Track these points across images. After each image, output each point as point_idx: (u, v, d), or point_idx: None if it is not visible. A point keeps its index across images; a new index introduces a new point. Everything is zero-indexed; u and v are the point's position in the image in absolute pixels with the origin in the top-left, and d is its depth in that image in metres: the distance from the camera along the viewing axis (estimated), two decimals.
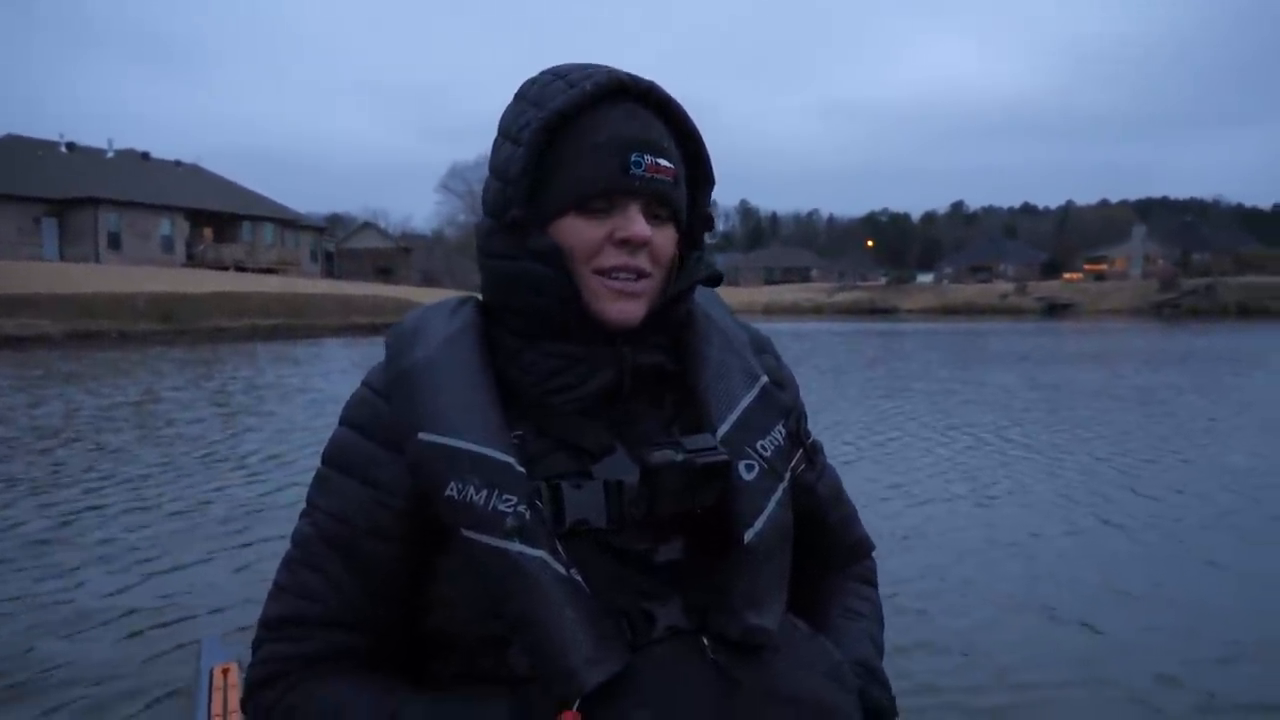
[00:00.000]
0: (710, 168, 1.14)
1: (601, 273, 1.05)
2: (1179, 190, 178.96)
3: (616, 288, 1.05)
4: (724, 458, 1.03)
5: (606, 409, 1.08)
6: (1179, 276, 67.53)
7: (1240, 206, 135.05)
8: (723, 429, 1.07)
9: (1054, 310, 63.68)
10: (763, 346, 1.23)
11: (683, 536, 1.05)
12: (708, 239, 1.17)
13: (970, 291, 76.59)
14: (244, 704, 1.11)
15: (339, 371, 18.54)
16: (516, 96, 1.10)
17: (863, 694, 1.11)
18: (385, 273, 64.03)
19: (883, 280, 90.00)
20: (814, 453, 1.23)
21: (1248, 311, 54.56)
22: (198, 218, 51.17)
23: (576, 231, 1.04)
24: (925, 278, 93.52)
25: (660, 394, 1.12)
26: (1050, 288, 73.29)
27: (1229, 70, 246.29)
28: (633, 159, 1.03)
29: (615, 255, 1.04)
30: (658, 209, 1.06)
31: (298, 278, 49.10)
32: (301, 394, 14.18)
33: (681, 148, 1.10)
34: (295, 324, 32.65)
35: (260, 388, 15.27)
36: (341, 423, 1.12)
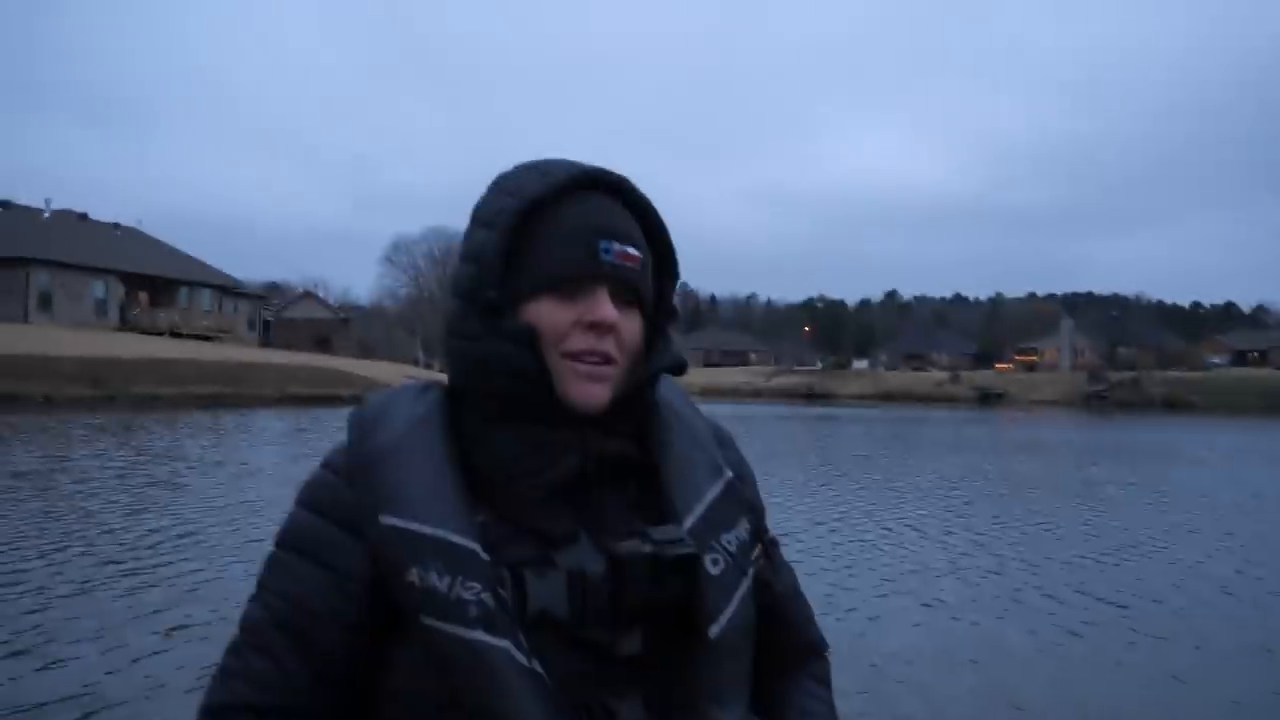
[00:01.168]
0: (676, 262, 1.16)
1: (570, 356, 1.05)
2: (1102, 286, 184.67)
3: (584, 371, 1.04)
4: (693, 550, 1.02)
5: (570, 496, 1.05)
6: (1106, 369, 69.59)
7: (1160, 304, 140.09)
8: (689, 521, 1.06)
9: (988, 399, 65.06)
10: (725, 441, 1.23)
11: (644, 629, 1.03)
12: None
13: (906, 379, 78.04)
14: None
15: (265, 444, 18.13)
16: (491, 187, 1.12)
17: None
18: (324, 343, 63.29)
19: (819, 366, 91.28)
20: (772, 549, 1.24)
21: (1172, 405, 56.33)
22: (134, 281, 50.27)
23: (546, 314, 1.05)
24: (861, 364, 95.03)
25: (624, 483, 1.10)
26: (984, 377, 74.94)
27: (1145, 172, 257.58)
28: (602, 245, 1.05)
29: (583, 339, 1.04)
30: (626, 295, 1.07)
31: (234, 345, 48.30)
32: (220, 467, 13.80)
33: (649, 241, 1.12)
34: (231, 393, 31.99)
35: (177, 459, 14.82)
36: (299, 504, 1.08)
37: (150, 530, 8.39)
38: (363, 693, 1.04)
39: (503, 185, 1.11)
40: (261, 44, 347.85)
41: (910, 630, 6.01)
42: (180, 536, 8.10)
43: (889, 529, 9.91)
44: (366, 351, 61.65)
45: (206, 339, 48.29)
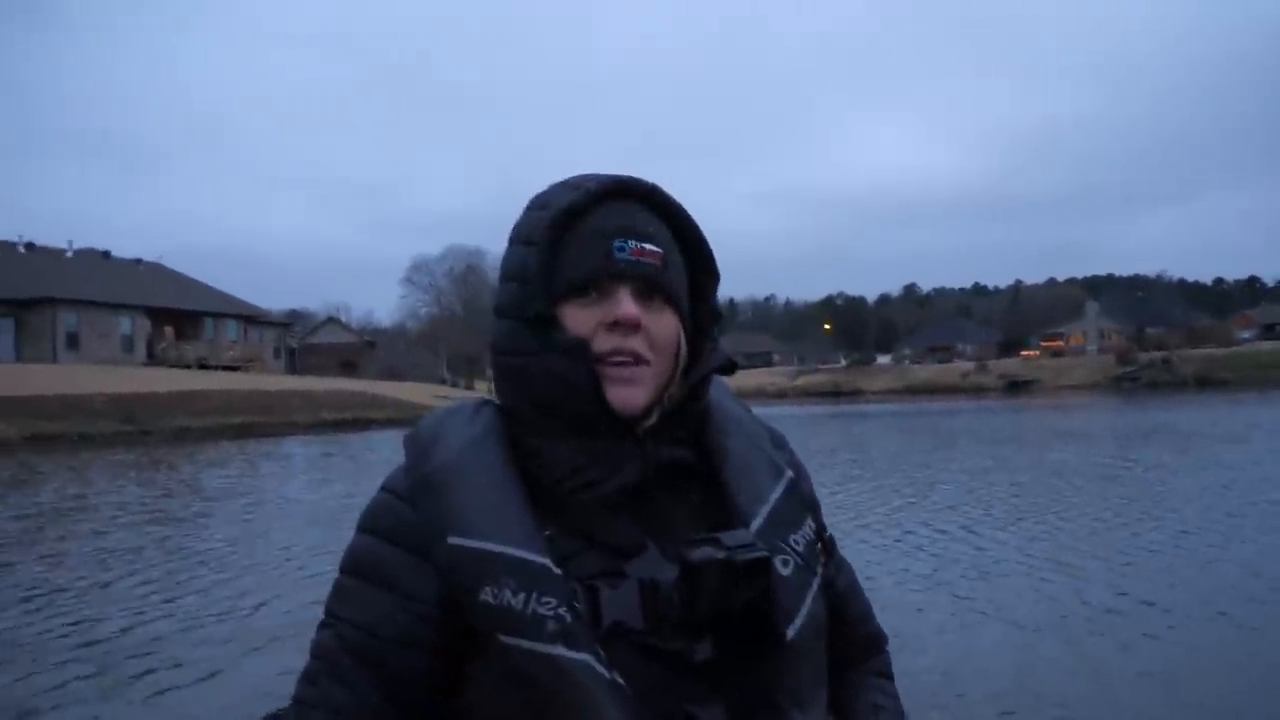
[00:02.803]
0: (714, 263, 1.16)
1: (599, 359, 1.05)
2: (1123, 267, 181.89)
3: (613, 374, 1.05)
4: (765, 554, 1.02)
5: (632, 505, 1.06)
6: (1134, 351, 68.91)
7: (1183, 281, 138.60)
8: (755, 523, 1.07)
9: (1016, 387, 64.56)
10: (779, 441, 1.23)
11: (714, 635, 1.02)
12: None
13: (931, 371, 77.63)
14: None
15: (299, 474, 18.20)
16: (526, 208, 1.13)
17: None
18: (349, 367, 63.68)
19: (843, 363, 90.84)
20: (831, 546, 1.23)
21: (1205, 383, 55.67)
22: (159, 316, 50.72)
23: (572, 319, 1.06)
24: (884, 359, 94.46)
25: (685, 489, 1.10)
26: (1010, 365, 74.40)
27: (1157, 151, 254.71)
28: (616, 244, 1.05)
29: (608, 339, 1.05)
30: (650, 293, 1.07)
31: (262, 374, 48.65)
32: (244, 497, 13.90)
33: (685, 246, 1.13)
34: (261, 421, 32.19)
35: (199, 491, 14.93)
36: (362, 530, 1.08)
37: (168, 570, 8.41)
38: (441, 712, 1.03)
39: (536, 203, 1.12)
40: (269, 77, 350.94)
41: (966, 638, 5.84)
42: (195, 574, 8.12)
43: (940, 529, 9.75)
44: (392, 374, 61.92)
45: (234, 369, 48.64)
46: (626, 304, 1.04)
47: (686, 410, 1.12)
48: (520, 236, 1.11)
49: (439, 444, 1.08)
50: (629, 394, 1.05)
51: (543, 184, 1.16)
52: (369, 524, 1.08)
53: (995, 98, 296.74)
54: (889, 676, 1.31)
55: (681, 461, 1.10)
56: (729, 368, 1.15)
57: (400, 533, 1.04)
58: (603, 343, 1.05)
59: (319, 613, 1.07)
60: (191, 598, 7.24)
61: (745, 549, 1.01)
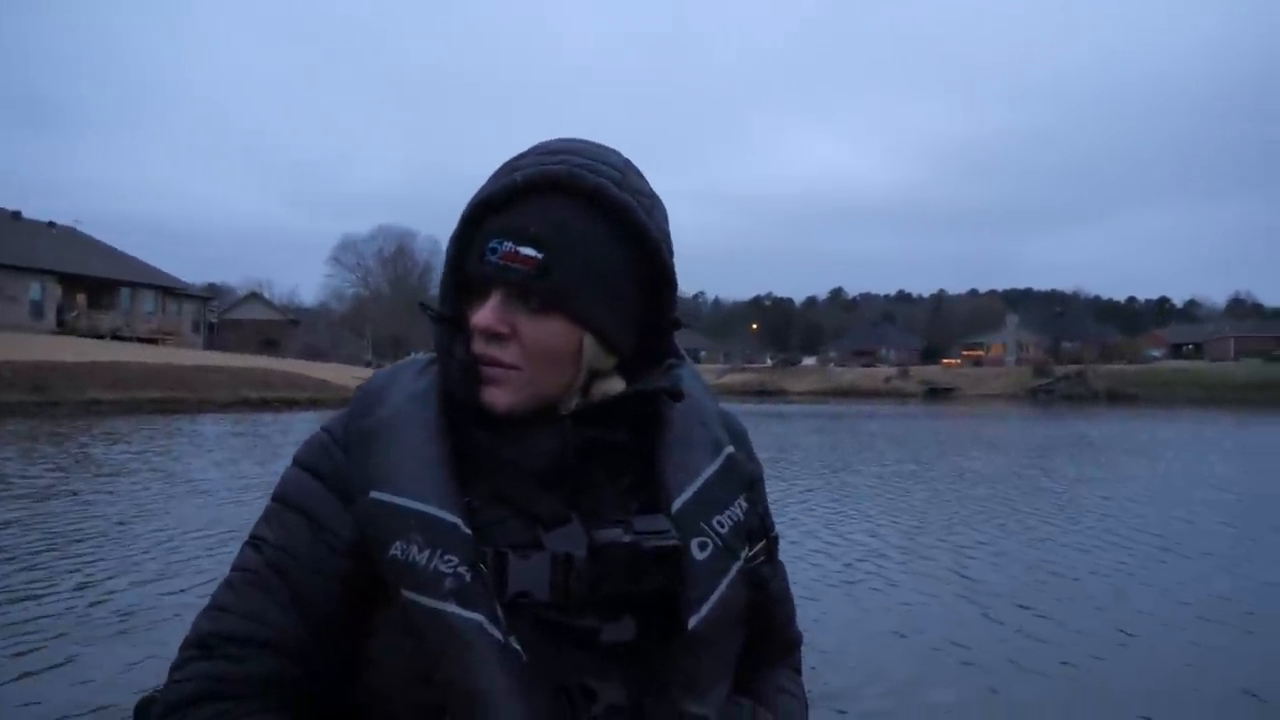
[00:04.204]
0: (666, 270, 1.08)
1: (478, 359, 1.04)
2: (1041, 282, 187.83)
3: (484, 374, 1.03)
4: (673, 543, 1.01)
5: (563, 481, 1.04)
6: (1051, 364, 71.05)
7: (1098, 299, 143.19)
8: (679, 501, 1.05)
9: (936, 394, 65.99)
10: (738, 436, 1.18)
11: (633, 616, 1.02)
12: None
13: (855, 375, 78.92)
14: None
15: (206, 452, 17.50)
16: None
17: None
18: (271, 345, 62.19)
19: (769, 362, 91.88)
20: (774, 546, 1.21)
21: (1115, 397, 57.77)
22: (71, 282, 48.84)
23: (471, 317, 1.04)
24: (809, 361, 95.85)
25: (621, 463, 1.08)
26: (931, 372, 76.07)
27: (1076, 171, 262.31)
28: (490, 246, 1.01)
29: (477, 343, 1.03)
30: (526, 298, 1.02)
31: (179, 348, 47.24)
32: (139, 475, 13.24)
33: (633, 250, 1.05)
34: (178, 397, 31.22)
35: (94, 467, 14.24)
36: (296, 462, 1.10)
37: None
38: (348, 652, 1.04)
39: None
40: (202, 49, 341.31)
41: (883, 640, 5.87)
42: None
43: (854, 531, 9.84)
44: (314, 354, 60.57)
45: (151, 342, 47.13)
46: (483, 311, 1.02)
47: (618, 407, 1.07)
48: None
49: (384, 397, 1.09)
50: (493, 394, 1.03)
51: (473, 169, 1.02)
52: (303, 459, 1.10)
53: (925, 113, 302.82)
54: (798, 670, 1.33)
55: (611, 442, 1.07)
56: (675, 395, 1.10)
57: (330, 473, 1.06)
58: (476, 345, 1.03)
59: (200, 601, 1.06)
60: (63, 579, 6.81)
61: (654, 535, 1.01)
